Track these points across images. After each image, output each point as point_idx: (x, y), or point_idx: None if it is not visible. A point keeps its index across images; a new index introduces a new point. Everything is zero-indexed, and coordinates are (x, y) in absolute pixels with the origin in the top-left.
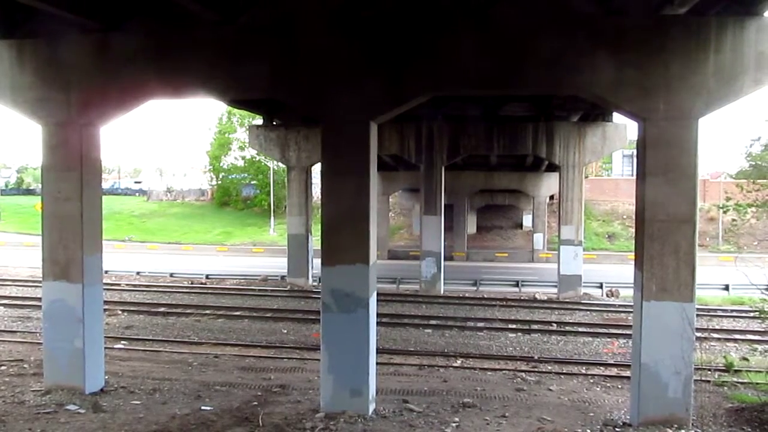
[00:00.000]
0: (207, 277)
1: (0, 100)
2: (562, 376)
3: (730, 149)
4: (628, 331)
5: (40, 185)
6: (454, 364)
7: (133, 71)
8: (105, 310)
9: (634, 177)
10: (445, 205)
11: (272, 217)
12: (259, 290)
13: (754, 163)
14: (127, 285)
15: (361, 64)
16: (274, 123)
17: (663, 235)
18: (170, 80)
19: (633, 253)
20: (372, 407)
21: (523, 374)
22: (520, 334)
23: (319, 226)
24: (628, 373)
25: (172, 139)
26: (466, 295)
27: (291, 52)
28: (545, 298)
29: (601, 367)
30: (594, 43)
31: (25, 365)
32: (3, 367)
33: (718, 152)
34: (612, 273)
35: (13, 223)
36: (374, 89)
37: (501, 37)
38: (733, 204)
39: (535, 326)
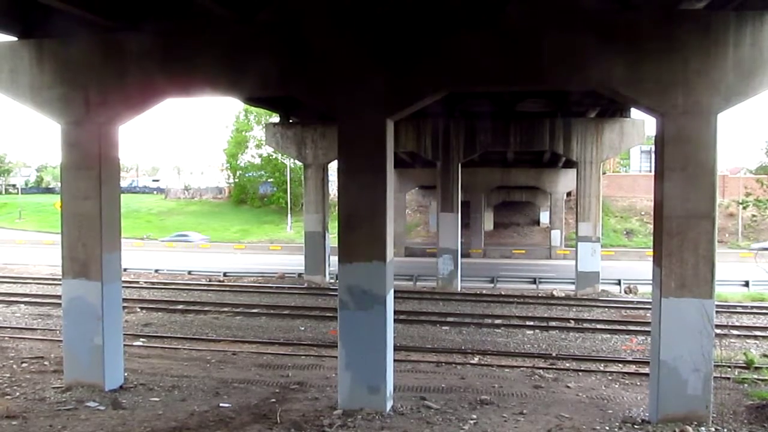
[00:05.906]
0: (225, 274)
1: (20, 99)
2: (581, 373)
3: (749, 144)
4: (646, 328)
5: (59, 184)
6: (472, 361)
7: (148, 70)
8: (124, 307)
9: (652, 173)
10: (461, 201)
11: (289, 215)
12: (277, 287)
13: None
14: (145, 282)
15: (373, 62)
16: (291, 121)
17: (682, 231)
18: (183, 78)
19: (651, 250)
20: (389, 404)
21: (541, 371)
22: (537, 331)
23: (336, 224)
24: (646, 370)
25: (190, 138)
26: (484, 292)
27: (301, 50)
28: (563, 295)
29: (620, 364)
30: (610, 39)
31: (45, 362)
32: (24, 365)
33: (738, 147)
34: (630, 269)
35: (32, 222)
36: (386, 87)
37: (513, 34)
38: (753, 199)
39: (552, 323)
